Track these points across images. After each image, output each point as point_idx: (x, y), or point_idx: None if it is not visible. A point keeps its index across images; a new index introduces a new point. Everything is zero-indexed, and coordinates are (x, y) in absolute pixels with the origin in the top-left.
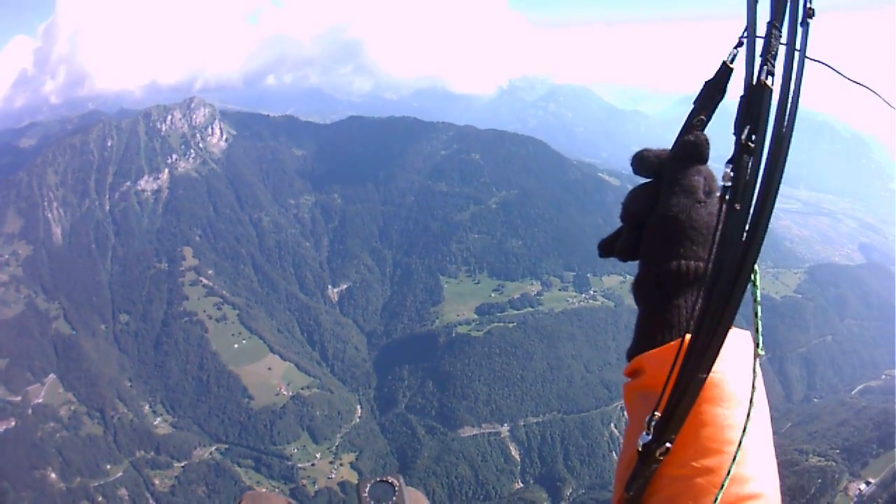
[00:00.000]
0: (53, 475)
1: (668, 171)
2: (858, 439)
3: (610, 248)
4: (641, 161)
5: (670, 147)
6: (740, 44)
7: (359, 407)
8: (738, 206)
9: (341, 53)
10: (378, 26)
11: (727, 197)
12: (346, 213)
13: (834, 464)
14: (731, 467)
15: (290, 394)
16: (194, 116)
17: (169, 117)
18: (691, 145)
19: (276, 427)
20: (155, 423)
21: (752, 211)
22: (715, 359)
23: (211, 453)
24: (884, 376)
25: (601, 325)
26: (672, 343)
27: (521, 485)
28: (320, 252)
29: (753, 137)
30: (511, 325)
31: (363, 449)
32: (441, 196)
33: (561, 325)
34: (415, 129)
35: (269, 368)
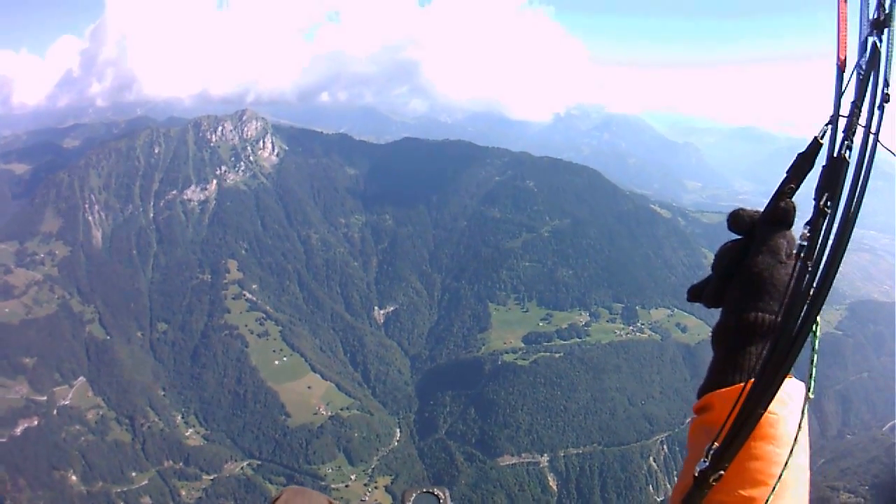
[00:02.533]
0: (74, 477)
1: (758, 231)
2: (887, 476)
3: (698, 293)
4: (736, 219)
5: (763, 209)
6: (829, 122)
7: (398, 430)
8: (809, 265)
9: (397, 73)
10: (435, 48)
11: (801, 254)
12: (396, 235)
13: (863, 500)
14: (768, 498)
15: (329, 414)
16: (246, 129)
17: (220, 128)
18: (782, 212)
19: (312, 446)
20: (186, 434)
21: (821, 269)
22: (771, 400)
23: (242, 468)
24: None
25: (647, 358)
26: (739, 385)
27: None
28: (368, 273)
29: (829, 203)
30: (558, 355)
31: (399, 473)
32: (493, 222)
33: (607, 357)
34: (469, 153)
35: (309, 387)
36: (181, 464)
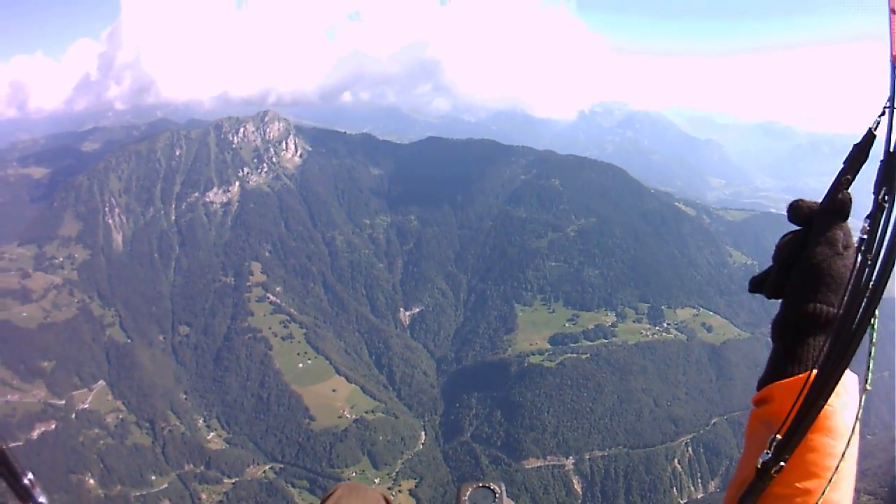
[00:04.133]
0: (91, 481)
1: (817, 222)
2: None
3: (759, 285)
4: (796, 210)
5: (820, 201)
6: (883, 113)
7: (423, 433)
8: (869, 258)
9: (419, 73)
10: (457, 46)
11: (862, 248)
12: (422, 236)
13: (882, 502)
14: (825, 490)
15: (354, 417)
16: (268, 130)
17: (241, 130)
18: (840, 203)
19: (336, 450)
20: (208, 438)
21: (880, 263)
22: (832, 392)
23: (265, 472)
24: None
25: (673, 358)
26: (800, 376)
27: None
28: (394, 274)
29: (887, 198)
30: (584, 356)
31: (424, 476)
32: (519, 222)
33: (634, 358)
34: (494, 152)
35: (334, 390)
36: (202, 467)
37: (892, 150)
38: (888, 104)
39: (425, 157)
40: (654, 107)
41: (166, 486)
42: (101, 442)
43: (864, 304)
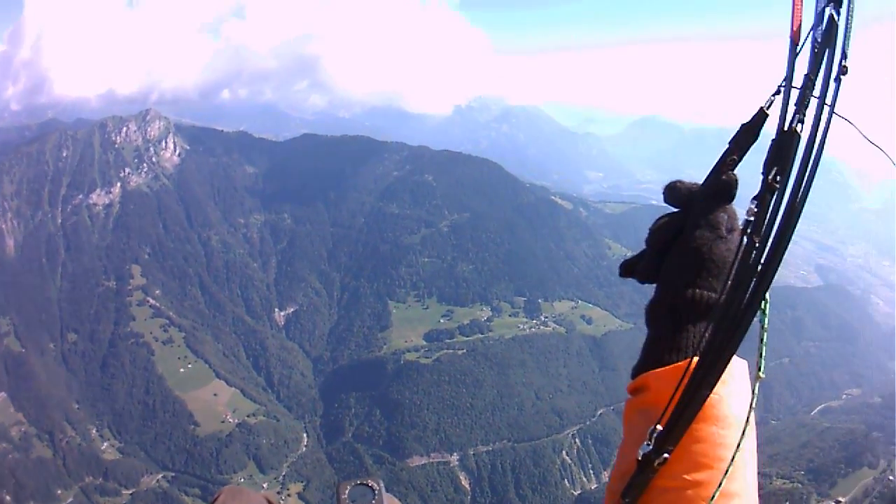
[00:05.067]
0: (8, 497)
1: (696, 204)
2: (824, 460)
3: (631, 269)
4: (673, 191)
5: (702, 182)
6: (778, 91)
7: (305, 435)
8: (756, 240)
9: (298, 68)
10: (336, 42)
11: (748, 230)
12: (295, 234)
13: (800, 485)
14: (721, 481)
15: (236, 421)
16: (149, 129)
17: (124, 129)
18: (723, 184)
19: (223, 455)
20: (102, 448)
21: (769, 246)
22: (717, 380)
23: (158, 481)
24: (844, 396)
25: (552, 351)
26: (679, 364)
27: None
28: (268, 274)
29: (779, 178)
30: (461, 351)
31: (310, 479)
32: (392, 218)
33: (511, 352)
34: (368, 148)
35: (215, 394)
36: (101, 479)
37: (785, 128)
38: (783, 83)
39: (300, 155)
40: (533, 101)
41: (71, 499)
42: (10, 456)
43: (751, 288)
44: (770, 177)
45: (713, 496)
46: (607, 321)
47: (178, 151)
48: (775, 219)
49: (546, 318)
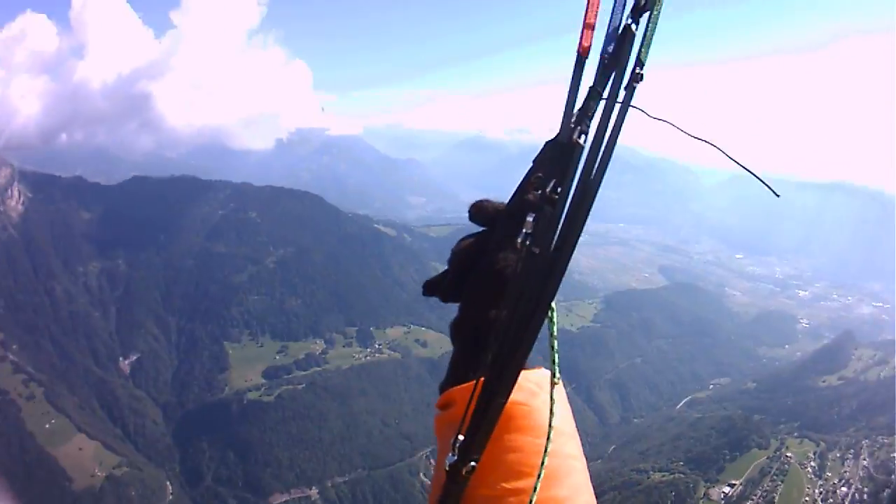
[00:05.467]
0: None
1: (500, 225)
2: (703, 448)
3: (434, 288)
4: (479, 211)
5: (507, 201)
6: (583, 106)
7: (168, 483)
8: (537, 251)
9: (128, 109)
10: (165, 78)
11: (527, 242)
12: (130, 280)
13: (682, 475)
14: (536, 485)
15: (104, 474)
16: None
17: None
18: (527, 204)
19: None
20: None
21: (550, 256)
22: (510, 388)
23: None
24: (711, 386)
25: (391, 377)
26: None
27: None
28: (109, 322)
29: (559, 190)
30: (300, 386)
31: None
32: (220, 258)
33: (350, 382)
34: (194, 188)
35: (81, 449)
36: None
37: (565, 141)
38: (569, 98)
39: (131, 198)
40: (353, 130)
41: None
42: None
43: (535, 302)
44: (549, 189)
45: (531, 500)
46: (443, 342)
47: (21, 200)
48: (555, 231)
49: (380, 345)
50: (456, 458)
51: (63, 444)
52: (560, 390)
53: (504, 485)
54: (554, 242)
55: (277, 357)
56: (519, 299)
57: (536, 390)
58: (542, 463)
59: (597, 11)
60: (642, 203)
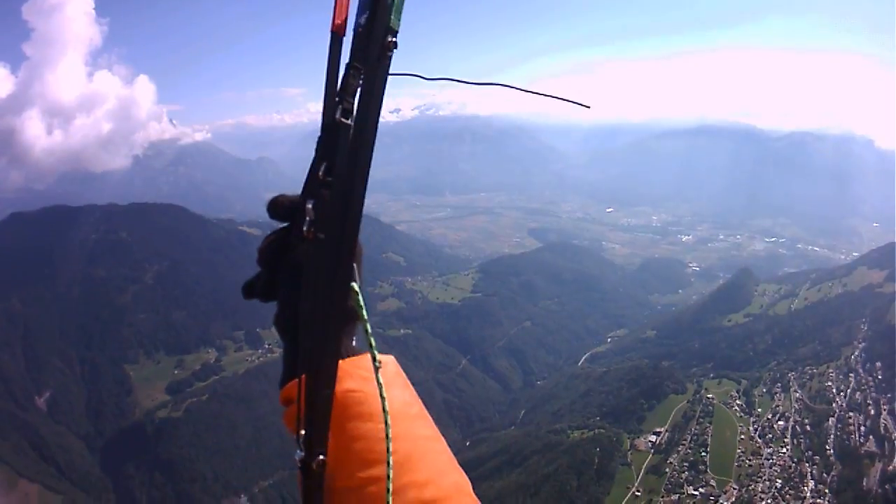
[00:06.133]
0: None
1: (298, 217)
2: (617, 400)
3: (252, 290)
4: (276, 207)
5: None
6: (326, 90)
7: None
8: (322, 236)
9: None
10: (26, 111)
11: (311, 230)
12: (27, 318)
13: (603, 430)
14: (388, 473)
15: None
16: None
17: None
18: (306, 191)
19: None
20: None
21: (335, 238)
22: (331, 377)
23: None
24: (609, 339)
25: None
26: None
27: None
28: (17, 363)
29: (331, 171)
30: (204, 397)
31: None
32: (101, 282)
33: (250, 385)
34: (65, 216)
35: (27, 494)
36: None
37: (329, 121)
38: (327, 79)
39: (12, 236)
40: (203, 137)
41: None
42: None
43: (330, 286)
44: (321, 173)
45: (388, 487)
46: None
47: None
48: (337, 212)
49: (269, 345)
50: (303, 452)
51: (11, 492)
52: (395, 373)
53: (359, 474)
54: (337, 224)
55: (176, 371)
56: (314, 287)
57: (369, 376)
58: (388, 449)
59: None
60: (501, 171)
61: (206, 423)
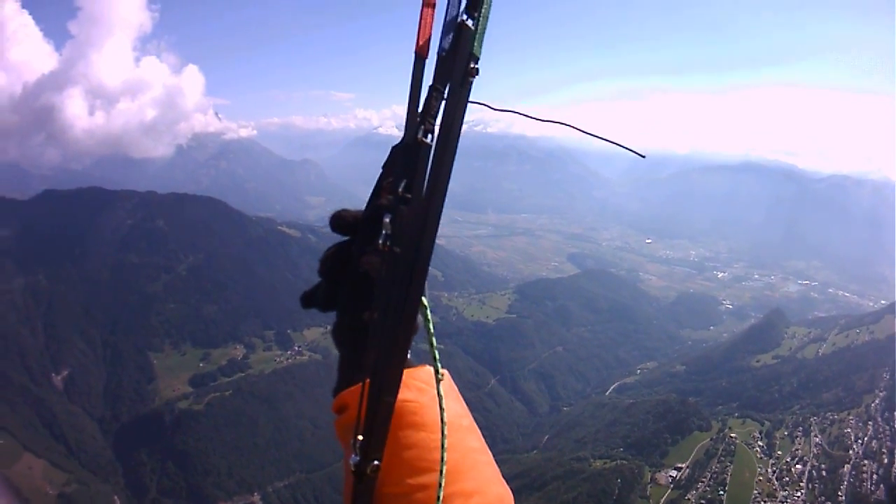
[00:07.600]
0: None
1: (361, 231)
2: (642, 433)
3: (311, 300)
4: (339, 221)
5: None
6: (409, 109)
7: (116, 497)
8: (398, 250)
9: (34, 122)
10: (68, 89)
11: (388, 243)
12: (52, 295)
13: (625, 462)
14: (440, 481)
15: (56, 492)
16: None
17: None
18: (383, 207)
19: None
20: None
21: (411, 254)
22: (395, 386)
23: None
24: (639, 371)
25: (314, 379)
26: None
27: None
28: (37, 339)
29: (412, 189)
30: (227, 393)
31: None
32: (133, 268)
33: (276, 386)
34: (101, 199)
35: (30, 468)
36: None
37: (410, 141)
38: (410, 98)
39: (44, 213)
40: (247, 134)
41: None
42: None
43: (403, 299)
44: (401, 189)
45: (439, 494)
46: None
47: None
48: (414, 229)
49: (299, 347)
50: (358, 458)
51: (14, 465)
52: (450, 386)
53: (409, 481)
54: (413, 240)
55: (201, 364)
56: (387, 298)
57: (424, 387)
58: (442, 458)
59: (432, 10)
60: (544, 193)
61: (226, 419)
